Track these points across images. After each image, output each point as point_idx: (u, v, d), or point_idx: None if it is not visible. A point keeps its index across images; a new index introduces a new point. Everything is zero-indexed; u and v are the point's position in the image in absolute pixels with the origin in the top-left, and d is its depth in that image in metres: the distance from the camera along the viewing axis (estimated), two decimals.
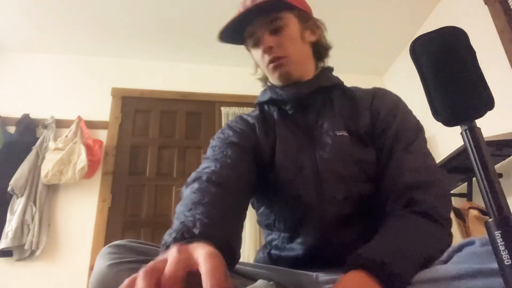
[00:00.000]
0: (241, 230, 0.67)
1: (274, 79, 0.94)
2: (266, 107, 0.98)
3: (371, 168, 0.82)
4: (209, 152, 0.87)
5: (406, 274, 0.55)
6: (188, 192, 0.71)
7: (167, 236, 0.54)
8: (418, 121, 0.87)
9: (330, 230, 0.78)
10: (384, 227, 0.68)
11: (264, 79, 1.02)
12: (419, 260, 0.58)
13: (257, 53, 0.92)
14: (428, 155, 0.81)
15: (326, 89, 0.92)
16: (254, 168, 0.84)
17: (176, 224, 0.58)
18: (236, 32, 0.91)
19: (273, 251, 0.87)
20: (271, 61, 0.89)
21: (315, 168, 0.82)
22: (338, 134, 0.84)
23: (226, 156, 0.81)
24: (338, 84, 0.95)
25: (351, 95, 0.93)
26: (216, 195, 0.68)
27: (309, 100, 0.91)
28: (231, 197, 0.71)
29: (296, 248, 0.81)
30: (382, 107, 0.88)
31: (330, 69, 1.00)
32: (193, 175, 0.79)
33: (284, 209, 0.85)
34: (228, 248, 0.53)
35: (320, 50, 0.98)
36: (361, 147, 0.84)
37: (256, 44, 0.92)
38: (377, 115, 0.87)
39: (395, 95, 0.93)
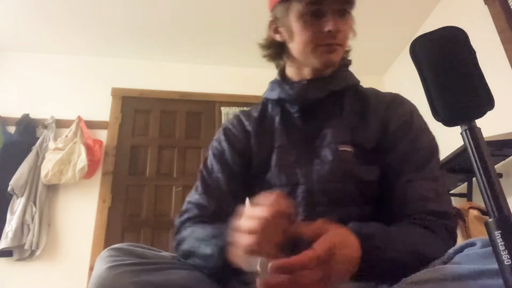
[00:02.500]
0: None
1: (315, 61, 0.82)
2: (270, 105, 0.90)
3: (372, 188, 0.75)
4: (205, 171, 0.87)
5: (388, 251, 0.57)
6: (184, 235, 0.76)
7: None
8: (432, 139, 0.78)
9: None
10: None
11: (272, 47, 0.89)
12: (407, 249, 0.59)
13: (311, 26, 0.78)
14: (439, 180, 0.73)
15: (338, 92, 0.84)
16: (242, 189, 0.85)
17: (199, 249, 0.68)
18: None
19: None
20: (328, 44, 0.78)
21: (309, 187, 0.76)
22: (340, 149, 0.77)
23: (217, 188, 0.84)
24: (352, 86, 0.86)
25: (364, 100, 0.84)
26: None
27: (318, 104, 0.82)
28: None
29: None
30: (393, 120, 0.79)
31: (347, 64, 0.90)
32: (185, 207, 0.84)
33: None
34: None
35: None
36: (365, 165, 0.76)
37: (314, 15, 0.78)
38: (386, 130, 0.78)
39: (410, 107, 0.82)
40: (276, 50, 0.90)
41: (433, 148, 0.77)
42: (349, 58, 0.91)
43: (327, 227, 0.53)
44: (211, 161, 0.88)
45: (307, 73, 0.85)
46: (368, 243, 0.56)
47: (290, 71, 0.89)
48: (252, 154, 0.85)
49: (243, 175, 0.85)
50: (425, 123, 0.80)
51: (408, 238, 0.63)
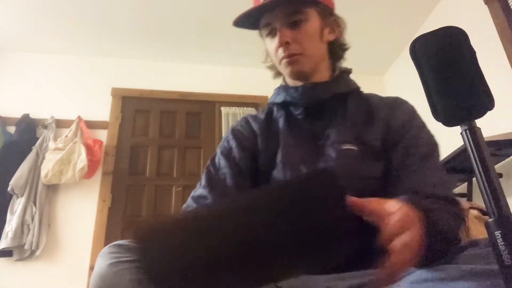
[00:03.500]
0: None
1: (286, 75, 0.91)
2: (275, 109, 0.95)
3: (376, 184, 0.78)
4: (212, 167, 0.88)
5: (443, 226, 0.55)
6: None
7: None
8: (432, 136, 0.82)
9: None
10: None
11: (275, 69, 0.97)
12: (452, 227, 0.59)
13: (271, 44, 0.87)
14: (442, 171, 0.76)
15: (342, 95, 0.88)
16: (249, 185, 0.86)
17: None
18: (251, 18, 0.87)
19: None
20: (285, 57, 0.85)
21: None
22: (343, 148, 0.80)
23: (222, 182, 0.84)
24: (355, 90, 0.91)
25: (367, 103, 0.88)
26: None
27: (322, 106, 0.87)
28: None
29: None
30: (396, 118, 0.83)
31: (348, 72, 0.95)
32: (186, 203, 0.83)
33: None
34: None
35: (336, 50, 0.94)
36: (369, 162, 0.79)
37: (271, 35, 0.87)
38: (389, 128, 0.82)
39: (411, 107, 0.87)
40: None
41: (434, 145, 0.80)
42: (349, 68, 0.96)
43: (391, 202, 0.48)
44: (218, 158, 0.90)
45: (299, 83, 0.90)
46: (428, 218, 0.51)
47: (289, 82, 0.94)
48: (259, 152, 0.88)
49: (250, 172, 0.87)
50: (424, 122, 0.84)
51: (447, 216, 0.62)
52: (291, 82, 0.93)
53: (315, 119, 0.87)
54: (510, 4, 2.26)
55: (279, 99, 0.91)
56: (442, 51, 0.42)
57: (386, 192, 0.77)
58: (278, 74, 0.97)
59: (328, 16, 0.90)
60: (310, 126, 0.87)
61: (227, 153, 0.90)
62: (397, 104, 0.87)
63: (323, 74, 0.89)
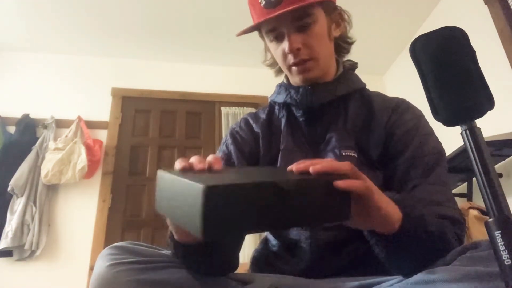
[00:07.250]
0: (238, 248, 0.75)
1: (295, 81, 0.86)
2: (277, 108, 0.91)
3: None
4: None
5: (421, 220, 0.56)
6: None
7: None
8: (439, 144, 0.77)
9: (322, 255, 0.75)
10: None
11: (276, 67, 0.93)
12: (430, 228, 0.58)
13: (278, 49, 0.82)
14: (447, 185, 0.72)
15: (343, 97, 0.83)
16: None
17: None
18: (255, 28, 0.83)
19: (270, 258, 0.84)
20: (295, 64, 0.80)
21: None
22: (344, 154, 0.77)
23: None
24: (358, 90, 0.86)
25: (369, 106, 0.83)
26: None
27: (324, 108, 0.83)
28: None
29: (290, 263, 0.79)
30: (399, 126, 0.78)
31: (353, 68, 0.90)
32: None
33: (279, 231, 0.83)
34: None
35: (342, 45, 0.89)
36: (368, 171, 0.75)
37: (277, 39, 0.81)
38: (392, 136, 0.77)
39: (416, 112, 0.82)
40: (278, 66, 0.93)
41: (440, 153, 0.76)
42: (355, 62, 0.91)
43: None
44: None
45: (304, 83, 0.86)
46: (411, 214, 0.55)
47: (292, 80, 0.90)
48: (260, 156, 0.86)
49: None
50: (431, 129, 0.80)
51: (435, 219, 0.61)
52: (294, 83, 0.89)
53: (316, 121, 0.84)
54: (510, 4, 2.26)
55: (280, 98, 0.88)
56: (442, 51, 0.42)
57: None
58: (279, 72, 0.93)
59: (333, 10, 0.85)
60: (311, 129, 0.84)
61: (227, 158, 0.87)
62: (402, 110, 0.81)
63: (330, 73, 0.86)
